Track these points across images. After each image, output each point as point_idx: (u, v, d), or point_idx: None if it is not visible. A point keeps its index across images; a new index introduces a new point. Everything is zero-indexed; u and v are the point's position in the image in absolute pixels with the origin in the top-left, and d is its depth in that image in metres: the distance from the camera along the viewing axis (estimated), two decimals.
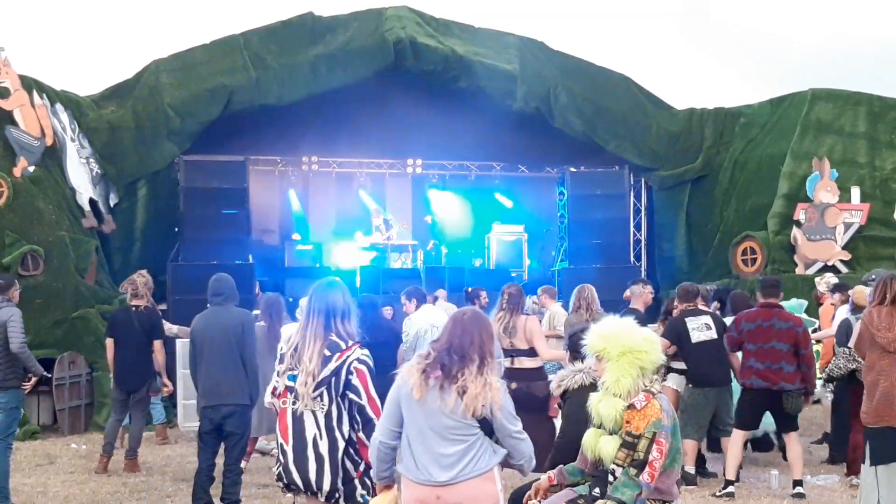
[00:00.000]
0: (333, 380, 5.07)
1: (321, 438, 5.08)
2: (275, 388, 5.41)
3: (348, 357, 5.10)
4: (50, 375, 11.21)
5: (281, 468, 5.20)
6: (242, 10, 29.29)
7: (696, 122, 18.85)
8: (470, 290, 13.63)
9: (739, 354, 9.18)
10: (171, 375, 12.58)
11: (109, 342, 10.19)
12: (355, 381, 5.08)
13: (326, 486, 5.08)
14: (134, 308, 10.07)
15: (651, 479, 4.97)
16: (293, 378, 5.14)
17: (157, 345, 10.00)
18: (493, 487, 4.64)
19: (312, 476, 5.08)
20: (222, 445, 7.70)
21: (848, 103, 17.54)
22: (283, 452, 5.17)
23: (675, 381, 9.69)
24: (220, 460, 7.72)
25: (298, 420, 5.13)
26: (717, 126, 18.78)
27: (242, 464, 7.92)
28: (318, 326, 5.15)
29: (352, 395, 5.09)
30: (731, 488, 8.77)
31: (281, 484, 5.27)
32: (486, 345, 4.67)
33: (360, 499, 5.17)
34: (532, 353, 8.85)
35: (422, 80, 17.48)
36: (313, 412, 5.10)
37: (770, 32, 36.58)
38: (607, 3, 34.85)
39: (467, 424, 4.56)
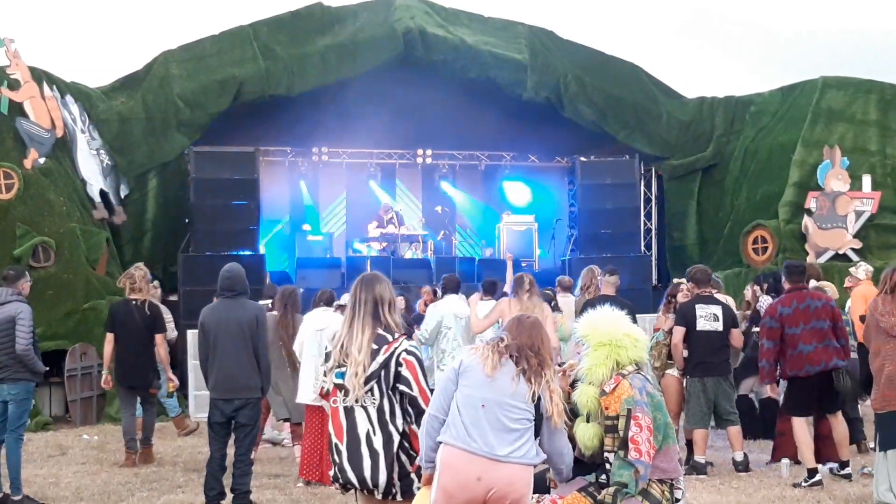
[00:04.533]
0: (383, 373, 4.99)
1: (374, 434, 4.98)
2: (322, 388, 5.26)
3: (396, 349, 5.04)
4: (48, 368, 11.01)
5: (336, 468, 5.08)
6: (252, 1, 29.27)
7: (707, 111, 18.83)
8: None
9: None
10: (183, 366, 12.66)
11: (109, 337, 9.81)
12: (405, 372, 5.01)
13: (382, 481, 4.96)
14: (134, 302, 9.85)
15: (640, 454, 5.00)
16: (341, 375, 5.06)
17: (160, 339, 9.80)
18: (530, 479, 4.89)
19: (367, 473, 4.97)
20: (233, 435, 7.73)
21: (859, 91, 17.49)
22: (338, 451, 5.05)
23: (677, 370, 9.67)
24: (230, 450, 7.74)
25: (350, 417, 5.04)
26: (727, 115, 18.75)
27: (252, 454, 7.93)
28: (367, 316, 5.09)
29: (403, 387, 5.01)
30: (817, 476, 8.38)
31: (337, 484, 5.13)
32: (550, 351, 5.08)
33: (416, 492, 5.08)
34: None
35: (431, 69, 17.48)
36: (364, 408, 5.01)
37: (780, 21, 36.43)
38: None
39: (529, 412, 4.86)
